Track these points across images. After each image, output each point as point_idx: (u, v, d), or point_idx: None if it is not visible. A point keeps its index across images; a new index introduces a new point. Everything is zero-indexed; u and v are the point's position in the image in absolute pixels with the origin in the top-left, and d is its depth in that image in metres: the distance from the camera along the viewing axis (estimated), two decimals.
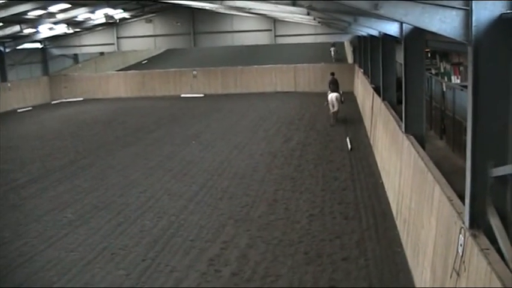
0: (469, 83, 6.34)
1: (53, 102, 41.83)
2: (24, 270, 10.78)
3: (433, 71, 27.11)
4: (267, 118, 28.63)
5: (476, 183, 6.40)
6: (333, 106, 25.57)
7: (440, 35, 7.09)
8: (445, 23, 6.53)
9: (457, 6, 6.37)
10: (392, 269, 9.95)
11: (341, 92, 26.41)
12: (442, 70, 27.46)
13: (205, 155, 20.30)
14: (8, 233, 12.97)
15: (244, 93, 40.08)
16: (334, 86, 26.52)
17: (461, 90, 16.78)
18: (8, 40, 37.65)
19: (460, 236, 6.47)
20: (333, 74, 27.83)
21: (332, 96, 25.66)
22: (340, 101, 25.76)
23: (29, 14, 29.62)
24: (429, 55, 28.20)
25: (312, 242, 11.38)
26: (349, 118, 27.12)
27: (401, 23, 12.66)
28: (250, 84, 41.13)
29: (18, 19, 30.76)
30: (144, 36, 41.34)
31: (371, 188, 15.14)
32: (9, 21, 30.32)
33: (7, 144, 24.91)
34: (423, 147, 11.29)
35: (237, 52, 54.27)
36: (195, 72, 42.20)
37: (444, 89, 19.65)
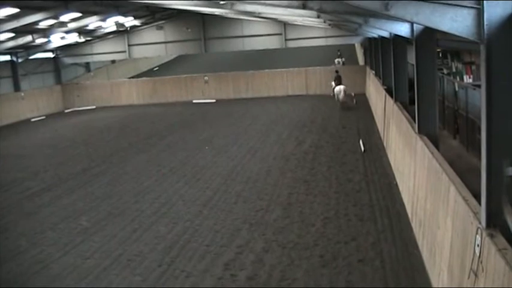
0: (483, 81, 6.29)
1: (65, 111, 42.07)
2: (41, 277, 10.84)
3: (445, 71, 26.98)
4: (279, 122, 28.61)
5: (492, 183, 6.35)
6: (340, 95, 31.73)
7: (451, 34, 7.05)
8: (456, 22, 6.48)
9: (468, 5, 6.32)
10: (408, 270, 9.90)
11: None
12: (454, 70, 27.31)
13: (218, 160, 20.31)
14: (23, 241, 13.06)
15: (255, 98, 40.09)
16: (339, 81, 33.20)
17: (474, 89, 16.69)
18: (20, 50, 37.97)
19: (477, 236, 6.43)
20: (337, 71, 35.43)
21: (341, 87, 32.05)
22: (345, 92, 31.81)
23: (40, 23, 29.81)
24: (440, 55, 28.09)
25: (327, 245, 11.35)
26: (361, 120, 27.06)
27: (412, 23, 12.60)
28: (261, 88, 41.11)
29: (30, 29, 31.01)
30: (155, 43, 41.51)
31: (385, 189, 15.08)
32: (21, 31, 30.54)
33: (21, 153, 25.09)
34: (437, 148, 11.23)
35: (248, 57, 54.32)
36: (206, 78, 42.26)
37: (456, 89, 19.55)
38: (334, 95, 32.86)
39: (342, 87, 32.18)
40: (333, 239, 11.64)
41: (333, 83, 33.82)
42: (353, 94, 36.24)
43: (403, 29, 13.44)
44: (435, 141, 11.78)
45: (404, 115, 15.51)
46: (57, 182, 18.82)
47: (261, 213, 13.81)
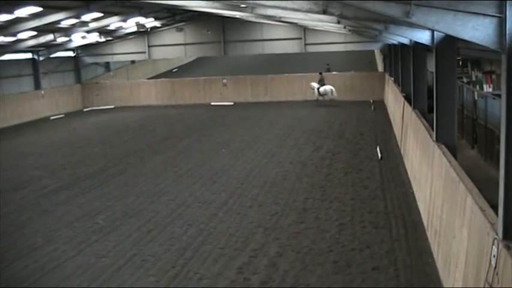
0: (503, 91, 6.24)
1: (84, 110, 42.37)
2: (55, 275, 10.91)
3: (465, 80, 26.82)
4: (296, 126, 28.57)
5: (510, 193, 6.29)
6: (328, 94, 36.50)
7: (471, 43, 7.00)
8: (478, 30, 6.44)
9: (490, 13, 6.28)
10: (422, 280, 9.83)
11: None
12: (474, 78, 27.15)
13: (234, 163, 20.32)
14: (39, 238, 13.16)
15: (273, 102, 40.09)
16: (322, 82, 37.19)
17: (494, 98, 16.57)
18: (42, 49, 38.35)
19: (493, 247, 6.37)
20: (320, 73, 38.26)
21: (331, 87, 36.50)
22: (332, 92, 36.41)
23: (62, 23, 30.05)
24: (460, 63, 27.93)
25: (341, 251, 11.31)
26: (379, 126, 26.98)
27: (432, 31, 12.55)
28: (280, 92, 41.09)
29: (52, 28, 31.28)
30: (174, 45, 41.70)
31: (401, 197, 15.00)
32: (43, 30, 30.84)
33: (39, 151, 25.29)
34: (455, 157, 11.15)
35: (267, 60, 54.35)
36: (225, 81, 42.33)
37: (476, 98, 19.41)
38: (319, 94, 36.94)
39: (331, 87, 36.54)
40: (347, 246, 11.60)
41: (314, 84, 37.27)
42: (371, 101, 36.17)
43: (423, 37, 13.38)
44: (453, 150, 11.69)
45: (422, 123, 15.43)
46: (74, 180, 18.94)
47: (276, 217, 13.80)
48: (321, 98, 37.07)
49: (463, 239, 8.09)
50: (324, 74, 39.17)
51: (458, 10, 6.72)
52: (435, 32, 12.30)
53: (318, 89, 37.04)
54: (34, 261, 11.71)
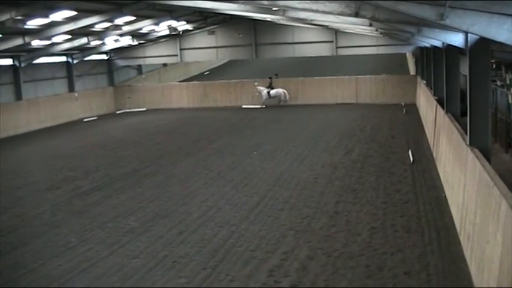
0: None
1: (117, 112, 42.83)
2: (88, 275, 11.07)
3: (499, 83, 26.44)
4: (327, 129, 28.48)
5: None
6: (280, 96, 40.03)
7: (506, 45, 6.92)
8: None
9: None
10: (455, 285, 9.72)
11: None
12: (508, 81, 26.74)
13: (265, 166, 20.33)
14: (73, 238, 13.36)
15: (305, 105, 39.96)
16: (271, 85, 40.43)
17: None
18: (75, 52, 38.92)
19: None
20: (270, 78, 41.07)
21: (284, 90, 40.06)
22: (285, 95, 40.04)
23: (96, 26, 30.50)
24: (494, 66, 27.54)
25: (373, 255, 11.24)
26: (411, 130, 26.74)
27: (466, 33, 12.42)
28: (311, 95, 40.93)
29: (86, 31, 31.75)
30: (206, 48, 41.94)
31: (433, 201, 14.85)
32: (77, 33, 31.31)
33: (73, 152, 25.65)
34: (488, 161, 11.00)
35: (299, 63, 54.29)
36: (256, 83, 42.35)
37: (510, 101, 19.14)
38: (269, 96, 40.05)
39: (284, 90, 40.01)
40: (378, 250, 11.53)
41: (262, 88, 40.30)
42: (403, 104, 35.90)
43: (456, 39, 13.27)
44: (487, 155, 11.54)
45: (455, 127, 15.26)
46: (107, 181, 19.17)
47: (307, 220, 13.77)
48: (267, 101, 40.19)
49: (497, 244, 7.99)
50: (272, 79, 40.74)
51: (493, 12, 6.65)
52: (469, 34, 12.16)
53: (269, 92, 40.14)
54: (67, 260, 11.88)
